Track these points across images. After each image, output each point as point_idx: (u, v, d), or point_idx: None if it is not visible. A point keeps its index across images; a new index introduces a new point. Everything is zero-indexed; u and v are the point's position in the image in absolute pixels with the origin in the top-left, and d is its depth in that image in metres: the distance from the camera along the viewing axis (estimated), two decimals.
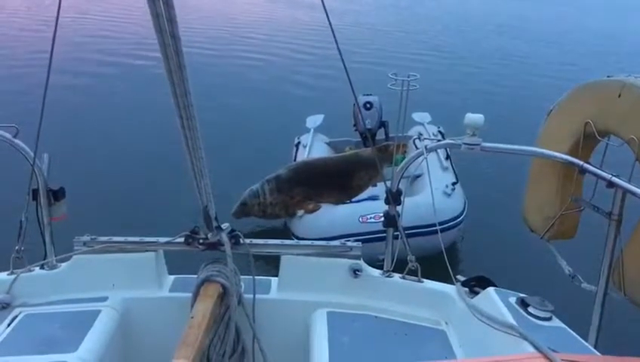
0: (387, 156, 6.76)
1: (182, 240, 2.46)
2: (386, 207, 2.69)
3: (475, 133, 2.34)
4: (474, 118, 2.35)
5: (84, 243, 2.51)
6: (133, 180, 7.52)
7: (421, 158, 2.55)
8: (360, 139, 7.75)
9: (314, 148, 7.47)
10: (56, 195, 2.58)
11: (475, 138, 2.34)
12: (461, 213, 6.02)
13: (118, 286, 2.52)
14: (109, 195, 7.06)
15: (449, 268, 2.39)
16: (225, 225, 2.40)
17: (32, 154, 2.44)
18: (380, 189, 6.22)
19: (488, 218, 6.74)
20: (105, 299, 2.48)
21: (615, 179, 2.19)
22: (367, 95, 7.69)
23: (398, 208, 2.67)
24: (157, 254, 2.55)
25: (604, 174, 2.27)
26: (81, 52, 14.76)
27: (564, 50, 18.14)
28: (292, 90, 12.05)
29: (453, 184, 6.14)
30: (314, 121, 8.03)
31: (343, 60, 2.32)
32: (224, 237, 2.36)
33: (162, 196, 6.46)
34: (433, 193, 5.94)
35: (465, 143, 2.34)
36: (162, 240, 2.52)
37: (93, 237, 2.53)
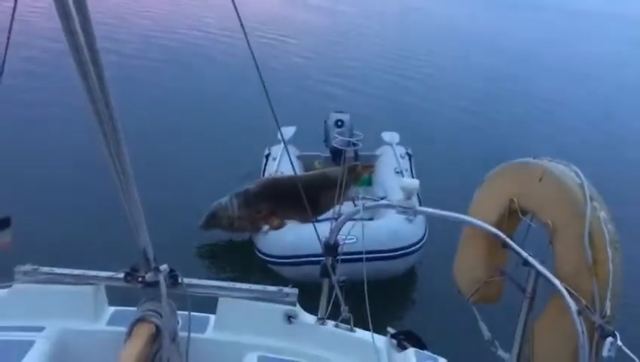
0: (355, 176, 6.87)
1: (122, 276, 2.50)
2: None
3: (410, 197, 2.42)
4: (409, 183, 2.47)
5: (25, 273, 2.55)
6: (83, 212, 7.14)
7: (359, 212, 2.66)
8: (329, 154, 7.84)
9: (283, 160, 7.49)
10: (1, 224, 2.60)
11: (410, 201, 2.43)
12: (421, 239, 6.12)
13: (56, 317, 2.55)
14: (57, 226, 6.75)
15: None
16: (163, 267, 2.44)
17: None
18: (345, 209, 6.31)
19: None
20: (41, 329, 2.51)
21: (530, 259, 2.30)
22: (339, 112, 7.79)
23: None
24: (97, 287, 2.59)
25: (521, 252, 2.38)
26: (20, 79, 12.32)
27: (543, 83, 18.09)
28: (266, 101, 11.99)
29: None
30: (286, 132, 8.09)
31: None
32: (161, 278, 2.40)
33: (108, 229, 6.02)
34: (395, 219, 6.03)
35: (400, 206, 2.43)
36: (103, 274, 2.56)
37: (35, 267, 2.56)
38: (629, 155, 11.96)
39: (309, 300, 2.70)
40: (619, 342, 2.24)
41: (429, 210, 2.54)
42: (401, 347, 2.44)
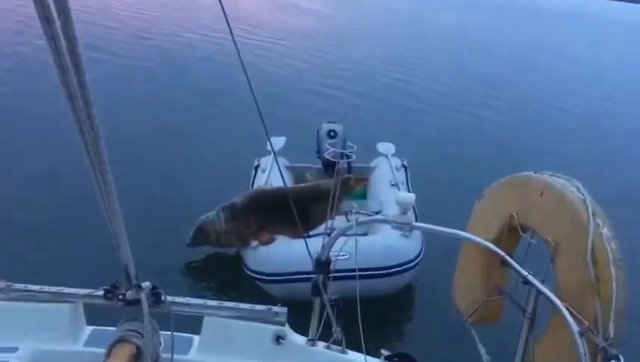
0: (347, 189, 6.73)
1: (101, 293, 2.38)
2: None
3: (406, 212, 2.32)
4: (405, 197, 2.37)
5: None
6: (61, 226, 6.83)
7: (352, 228, 2.55)
8: (321, 166, 7.70)
9: (273, 172, 7.32)
10: None
11: (406, 216, 2.33)
12: (418, 256, 5.95)
13: (31, 337, 2.42)
14: (33, 240, 6.39)
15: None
16: (145, 284, 2.32)
17: None
18: (338, 223, 6.17)
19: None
20: (15, 349, 2.38)
21: (530, 278, 2.21)
22: (332, 122, 7.69)
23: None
24: (75, 305, 2.46)
25: (521, 270, 2.29)
26: None
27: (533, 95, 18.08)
28: (255, 110, 11.90)
29: None
30: (276, 143, 7.97)
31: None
32: (142, 296, 2.28)
33: (88, 244, 5.89)
34: (390, 234, 5.89)
35: (395, 222, 2.33)
36: (81, 291, 2.44)
37: (8, 284, 2.43)
38: (628, 162, 11.98)
39: (299, 320, 2.59)
40: None
41: (426, 225, 2.44)
42: None
